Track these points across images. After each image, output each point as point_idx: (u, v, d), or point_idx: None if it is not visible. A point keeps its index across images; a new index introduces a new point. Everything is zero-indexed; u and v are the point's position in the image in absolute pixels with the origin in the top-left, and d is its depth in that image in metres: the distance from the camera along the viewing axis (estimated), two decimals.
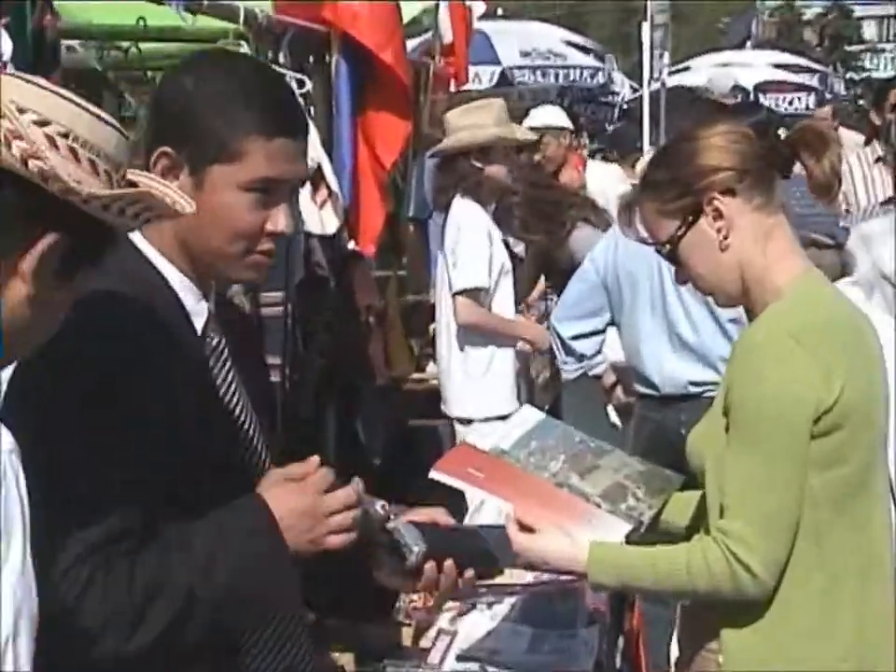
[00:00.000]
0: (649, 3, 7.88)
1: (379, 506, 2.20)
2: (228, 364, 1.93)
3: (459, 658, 3.14)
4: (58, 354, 1.60)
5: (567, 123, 7.64)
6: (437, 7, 6.51)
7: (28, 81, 1.56)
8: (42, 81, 1.58)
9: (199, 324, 1.90)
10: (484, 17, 8.80)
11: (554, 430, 3.16)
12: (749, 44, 25.09)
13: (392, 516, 2.22)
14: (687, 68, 14.88)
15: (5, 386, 1.70)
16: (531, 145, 6.38)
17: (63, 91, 1.56)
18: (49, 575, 1.61)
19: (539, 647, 3.17)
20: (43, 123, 1.47)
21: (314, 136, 4.33)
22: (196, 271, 1.91)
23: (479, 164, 4.97)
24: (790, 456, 2.45)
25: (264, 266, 1.92)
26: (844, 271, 3.99)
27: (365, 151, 5.04)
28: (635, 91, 8.74)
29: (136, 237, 1.84)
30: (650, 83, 7.48)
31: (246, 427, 1.96)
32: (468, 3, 6.81)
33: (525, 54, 12.83)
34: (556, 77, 12.79)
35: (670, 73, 11.08)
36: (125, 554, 1.73)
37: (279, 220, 1.86)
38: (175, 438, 1.77)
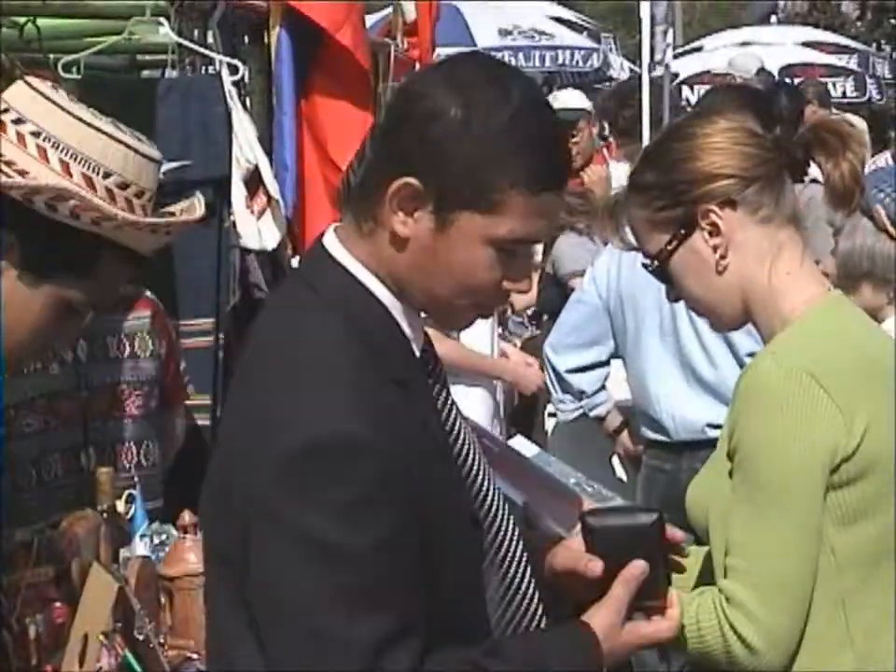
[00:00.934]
0: None
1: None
2: (446, 385, 1.92)
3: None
4: (326, 435, 1.67)
5: (589, 106, 6.92)
6: None
7: (57, 105, 2.09)
8: (70, 106, 2.10)
9: (417, 347, 1.87)
10: None
11: (549, 466, 3.26)
12: (774, 18, 22.07)
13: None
14: (700, 48, 13.85)
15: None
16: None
17: (96, 123, 2.10)
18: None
19: None
20: (75, 159, 2.04)
21: (250, 133, 4.18)
22: (403, 300, 1.85)
23: None
24: (803, 514, 2.30)
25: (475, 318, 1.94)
26: None
27: (312, 150, 4.60)
28: (633, 75, 8.07)
29: (343, 254, 1.83)
30: (651, 67, 6.74)
31: (472, 461, 1.95)
32: None
33: (506, 33, 11.82)
34: (542, 59, 11.62)
35: (678, 55, 10.02)
36: (418, 652, 1.73)
37: (523, 282, 1.83)
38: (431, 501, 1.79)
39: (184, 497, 3.50)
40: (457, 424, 1.90)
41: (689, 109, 7.48)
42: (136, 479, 3.80)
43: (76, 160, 2.13)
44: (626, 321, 4.24)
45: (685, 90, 10.69)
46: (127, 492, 3.63)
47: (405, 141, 1.81)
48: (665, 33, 7.19)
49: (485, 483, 1.91)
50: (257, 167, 4.16)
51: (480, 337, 4.83)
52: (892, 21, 26.83)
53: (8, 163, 2.08)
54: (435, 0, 6.05)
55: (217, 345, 4.21)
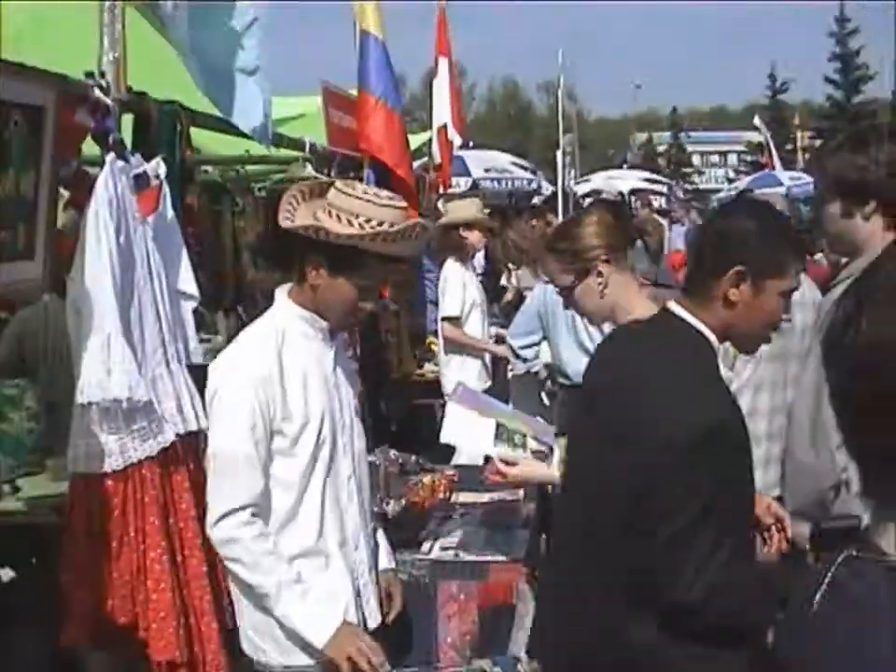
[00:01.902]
0: (561, 139, 10.60)
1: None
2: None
3: (442, 548, 3.91)
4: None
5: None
6: (430, 140, 8.81)
7: (350, 194, 2.80)
8: (361, 192, 2.80)
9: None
10: (462, 147, 11.34)
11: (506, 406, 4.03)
12: (625, 165, 33.64)
13: None
14: (588, 179, 20.72)
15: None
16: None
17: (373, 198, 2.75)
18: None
19: (493, 541, 4.01)
20: (356, 217, 2.70)
21: None
22: (720, 339, 2.51)
23: (464, 234, 6.88)
24: None
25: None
26: None
27: None
28: (554, 193, 12.19)
29: (687, 315, 2.49)
30: (563, 186, 10.33)
31: None
32: (450, 138, 9.05)
33: (487, 170, 17.43)
34: (507, 184, 17.69)
35: (577, 182, 17.68)
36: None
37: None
38: None
39: None
40: None
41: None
42: None
43: (355, 217, 2.76)
44: (548, 320, 5.83)
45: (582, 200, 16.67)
46: None
47: (732, 246, 2.43)
48: (570, 172, 11.18)
49: None
50: None
51: (475, 329, 6.74)
52: (682, 169, 52.66)
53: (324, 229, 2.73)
54: (450, 153, 8.80)
55: None
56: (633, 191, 18.79)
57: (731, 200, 3.22)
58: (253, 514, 2.87)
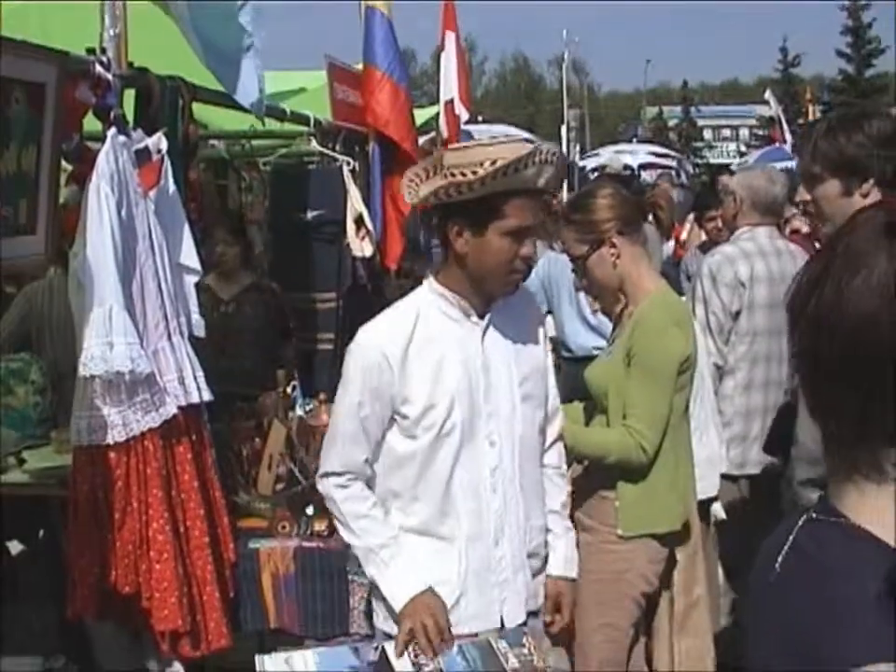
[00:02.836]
0: (565, 114, 10.80)
1: None
2: None
3: None
4: None
5: None
6: (438, 115, 8.86)
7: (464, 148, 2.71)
8: (474, 143, 2.80)
9: None
10: (471, 122, 11.19)
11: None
12: (635, 140, 34.10)
13: None
14: (597, 153, 20.83)
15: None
16: None
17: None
18: None
19: None
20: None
21: (356, 195, 5.67)
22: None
23: None
24: (670, 384, 3.20)
25: None
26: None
27: (390, 205, 6.17)
28: None
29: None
30: (568, 161, 10.37)
31: None
32: (457, 112, 9.08)
33: None
34: None
35: (588, 156, 18.29)
36: None
37: None
38: None
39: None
40: None
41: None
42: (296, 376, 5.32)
43: (479, 164, 2.65)
44: (552, 293, 6.05)
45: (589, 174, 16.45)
46: (293, 383, 5.06)
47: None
48: (576, 146, 10.86)
49: None
50: (361, 214, 5.64)
51: None
52: (693, 144, 50.30)
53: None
54: (457, 127, 8.82)
55: (337, 307, 5.75)
56: (642, 165, 18.99)
57: None
58: (349, 479, 2.93)
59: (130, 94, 3.89)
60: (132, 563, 3.59)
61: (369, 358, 2.81)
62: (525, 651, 2.98)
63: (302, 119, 5.82)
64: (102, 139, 3.57)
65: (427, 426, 2.83)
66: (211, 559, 3.78)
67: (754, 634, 1.34)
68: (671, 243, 8.47)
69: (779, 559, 1.29)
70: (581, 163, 19.10)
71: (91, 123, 3.73)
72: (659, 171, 17.31)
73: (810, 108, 23.11)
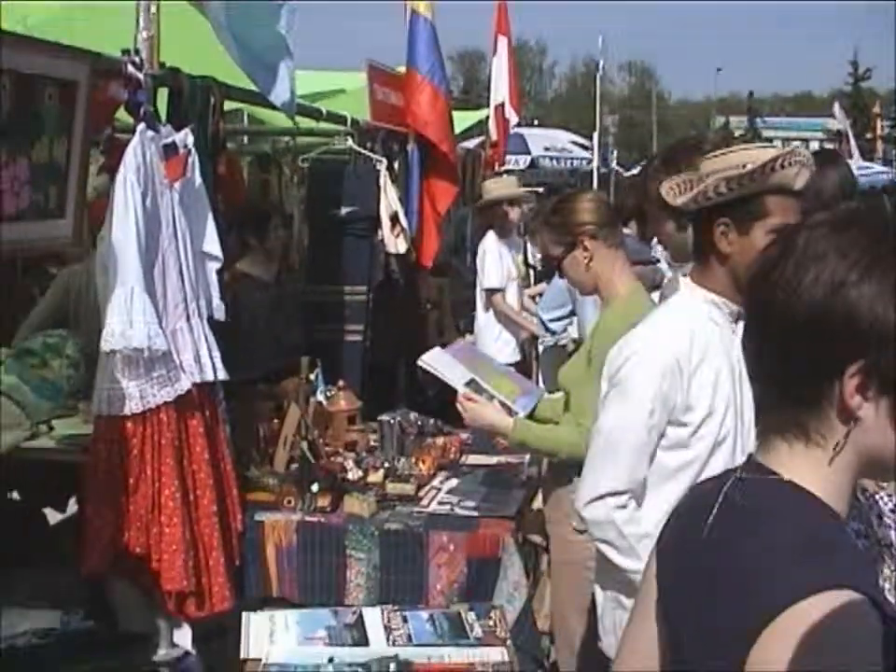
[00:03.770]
0: (597, 120, 10.92)
1: None
2: None
3: (439, 503, 4.35)
4: None
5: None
6: (487, 118, 9.07)
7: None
8: (730, 149, 2.68)
9: None
10: (524, 125, 11.51)
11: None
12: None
13: None
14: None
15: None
16: None
17: None
18: None
19: (488, 499, 4.38)
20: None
21: (393, 194, 5.88)
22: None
23: (506, 209, 7.22)
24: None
25: None
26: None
27: (427, 204, 6.49)
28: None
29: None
30: (597, 165, 10.41)
31: None
32: (507, 116, 9.31)
33: (547, 148, 17.92)
34: (566, 163, 18.17)
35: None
36: None
37: None
38: None
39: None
40: None
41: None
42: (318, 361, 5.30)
43: (742, 166, 2.61)
44: (576, 295, 5.74)
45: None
46: (315, 370, 5.24)
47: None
48: (612, 151, 11.27)
49: None
50: (396, 212, 5.85)
51: (512, 300, 7.06)
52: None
53: None
54: (505, 131, 9.05)
55: (367, 298, 5.93)
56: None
57: None
58: (629, 498, 2.75)
59: (164, 93, 4.14)
60: (143, 525, 3.85)
61: (662, 363, 2.70)
62: (491, 623, 3.26)
63: (339, 119, 5.97)
64: (132, 132, 3.84)
65: (703, 435, 2.73)
66: (218, 527, 4.01)
67: (688, 593, 1.40)
68: None
69: (710, 517, 1.38)
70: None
71: (124, 116, 4.00)
72: None
73: (878, 123, 22.87)
